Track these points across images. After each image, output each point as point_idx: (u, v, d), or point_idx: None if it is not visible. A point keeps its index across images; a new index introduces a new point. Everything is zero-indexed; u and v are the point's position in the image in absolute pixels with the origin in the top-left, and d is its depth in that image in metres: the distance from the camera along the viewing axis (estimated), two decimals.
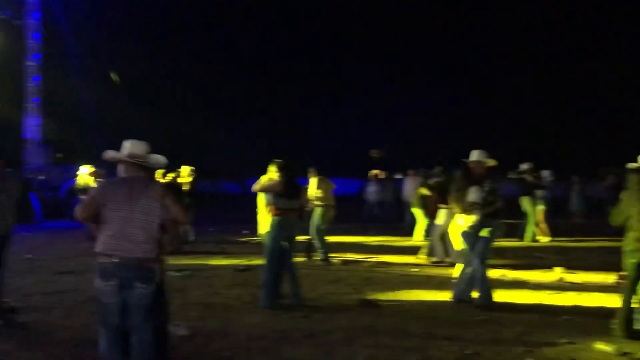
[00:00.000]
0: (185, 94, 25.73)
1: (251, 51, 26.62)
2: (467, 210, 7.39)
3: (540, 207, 14.35)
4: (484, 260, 7.46)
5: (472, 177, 7.50)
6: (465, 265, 7.64)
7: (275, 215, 7.38)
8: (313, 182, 10.90)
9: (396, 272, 10.00)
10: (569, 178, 20.39)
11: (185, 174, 13.71)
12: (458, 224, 7.63)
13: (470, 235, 7.40)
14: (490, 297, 7.36)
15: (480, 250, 7.36)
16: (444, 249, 10.96)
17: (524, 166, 14.44)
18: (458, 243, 7.71)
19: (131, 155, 4.47)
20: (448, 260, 10.85)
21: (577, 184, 18.03)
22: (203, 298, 7.85)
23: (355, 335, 6.08)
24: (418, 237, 13.71)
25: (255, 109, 28.51)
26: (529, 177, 14.28)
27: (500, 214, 7.75)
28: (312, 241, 11.12)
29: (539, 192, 14.30)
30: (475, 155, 7.60)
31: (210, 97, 26.74)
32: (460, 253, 7.65)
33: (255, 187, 7.73)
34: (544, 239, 14.39)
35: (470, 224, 7.38)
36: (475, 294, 7.45)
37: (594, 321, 6.43)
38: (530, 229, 14.37)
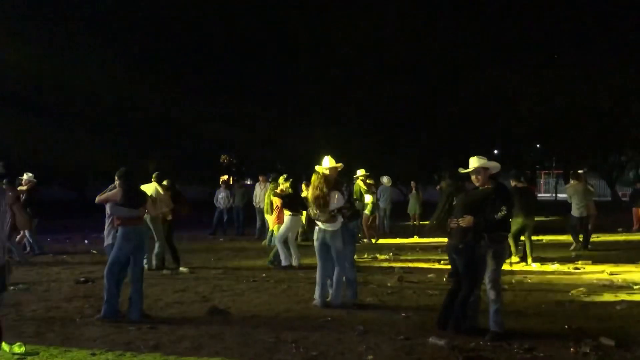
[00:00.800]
0: (18, 90, 23.80)
1: (97, 48, 25.22)
2: (332, 216, 7.62)
3: (366, 211, 15.17)
4: (353, 262, 7.92)
5: (330, 183, 7.77)
6: (322, 268, 7.92)
7: (119, 225, 7.16)
8: (149, 187, 10.59)
9: (245, 278, 10.05)
10: (408, 183, 21.78)
11: (25, 182, 12.86)
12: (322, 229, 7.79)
13: (337, 239, 7.65)
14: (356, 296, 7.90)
15: (348, 253, 7.77)
16: (289, 254, 11.20)
17: (359, 172, 15.20)
18: (321, 247, 7.88)
19: None
20: (295, 264, 11.13)
21: (414, 189, 19.32)
22: (40, 313, 7.42)
23: (202, 344, 6.05)
24: (267, 242, 13.87)
25: (98, 110, 26.97)
26: (360, 183, 15.09)
27: (357, 216, 8.22)
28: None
29: (369, 197, 15.12)
30: (327, 161, 7.88)
31: (49, 96, 24.97)
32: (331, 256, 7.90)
33: (97, 198, 7.48)
34: (372, 240, 15.56)
35: (335, 229, 7.64)
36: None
37: (429, 318, 6.84)
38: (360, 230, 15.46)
